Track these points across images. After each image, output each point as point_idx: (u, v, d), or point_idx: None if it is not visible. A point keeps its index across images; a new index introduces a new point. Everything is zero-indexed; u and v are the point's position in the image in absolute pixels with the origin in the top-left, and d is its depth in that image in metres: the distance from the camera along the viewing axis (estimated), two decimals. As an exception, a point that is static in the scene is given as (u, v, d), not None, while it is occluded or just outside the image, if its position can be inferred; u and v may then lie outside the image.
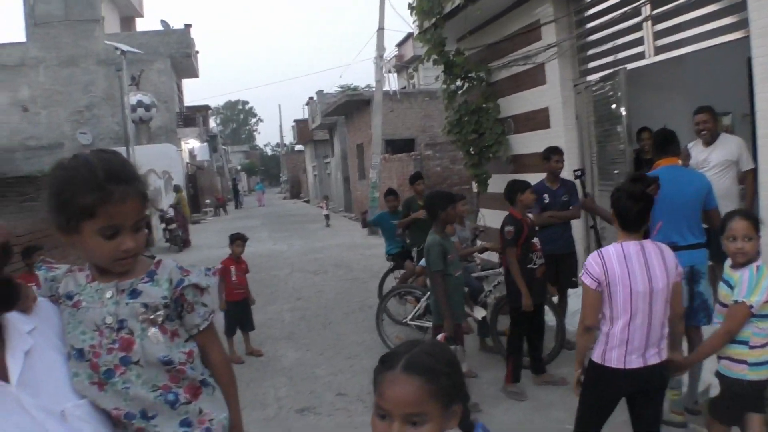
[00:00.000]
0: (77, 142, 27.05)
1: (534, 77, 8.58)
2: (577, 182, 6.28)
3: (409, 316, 6.91)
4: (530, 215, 5.88)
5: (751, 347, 3.27)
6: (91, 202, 1.51)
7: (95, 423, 1.41)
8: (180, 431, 1.62)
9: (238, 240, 7.42)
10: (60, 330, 1.55)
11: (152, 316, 1.62)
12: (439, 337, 4.97)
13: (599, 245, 6.18)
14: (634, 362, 3.24)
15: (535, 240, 5.59)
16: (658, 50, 6.55)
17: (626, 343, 3.24)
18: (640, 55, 6.82)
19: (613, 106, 6.87)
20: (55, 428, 1.25)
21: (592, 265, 3.34)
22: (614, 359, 3.27)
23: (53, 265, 1.69)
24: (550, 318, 6.16)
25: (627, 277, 3.24)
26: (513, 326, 5.71)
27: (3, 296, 1.23)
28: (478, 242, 7.51)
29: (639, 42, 6.82)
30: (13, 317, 1.34)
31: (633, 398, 3.37)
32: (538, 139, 8.55)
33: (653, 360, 3.25)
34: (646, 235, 3.50)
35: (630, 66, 6.84)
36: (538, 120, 8.63)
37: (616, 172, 6.86)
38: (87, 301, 1.59)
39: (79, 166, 1.56)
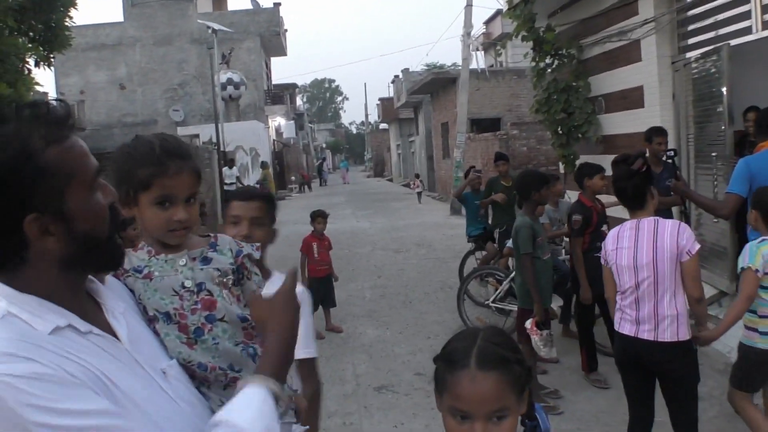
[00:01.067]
0: (170, 119, 28.07)
1: (629, 54, 8.19)
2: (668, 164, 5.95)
3: (491, 298, 6.80)
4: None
5: (760, 316, 3.56)
6: (148, 173, 1.64)
7: (187, 383, 1.46)
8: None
9: (319, 217, 7.48)
10: (132, 300, 1.62)
11: (225, 280, 1.72)
12: (529, 322, 4.89)
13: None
14: (626, 329, 3.52)
15: (605, 228, 5.36)
16: (767, 25, 6.12)
17: (621, 310, 3.57)
18: (746, 30, 6.38)
19: (714, 84, 6.48)
20: (164, 384, 1.30)
21: (603, 245, 3.74)
22: (616, 323, 3.63)
23: None
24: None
25: (615, 254, 3.55)
26: (578, 317, 5.59)
27: (112, 255, 1.30)
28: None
29: (745, 16, 6.38)
30: (100, 285, 1.38)
31: (659, 381, 3.51)
32: (630, 119, 8.20)
33: (645, 335, 3.42)
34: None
35: (734, 42, 6.42)
36: (632, 99, 8.26)
37: (714, 154, 6.48)
38: (159, 271, 1.67)
39: (138, 144, 1.71)
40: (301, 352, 2.18)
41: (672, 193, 5.47)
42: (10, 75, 6.54)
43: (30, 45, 7.91)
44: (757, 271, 3.50)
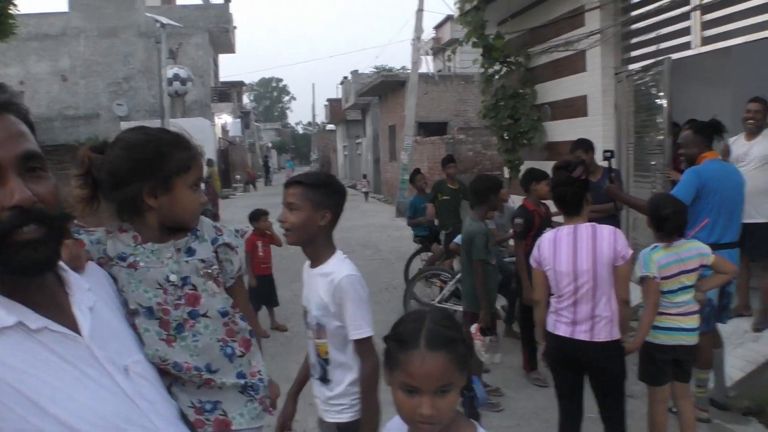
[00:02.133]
0: (113, 113, 27.38)
1: (574, 64, 8.44)
2: (605, 164, 6.10)
3: (437, 299, 6.90)
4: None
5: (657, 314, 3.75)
6: (187, 156, 1.71)
7: (152, 380, 1.42)
8: (239, 382, 1.75)
9: (263, 216, 7.46)
10: (112, 291, 1.59)
11: (209, 270, 1.74)
12: (473, 327, 4.97)
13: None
14: (561, 330, 3.56)
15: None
16: (706, 41, 6.39)
17: (557, 313, 3.61)
18: (686, 45, 6.67)
19: (655, 96, 6.73)
20: (123, 382, 1.27)
21: (534, 249, 3.74)
22: (550, 325, 3.65)
23: (89, 230, 1.76)
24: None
25: (553, 259, 3.58)
26: (522, 317, 5.73)
27: (20, 262, 1.17)
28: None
29: (686, 32, 6.66)
30: (73, 275, 1.36)
31: (590, 379, 3.62)
32: (574, 126, 8.44)
33: (581, 336, 3.49)
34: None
35: (675, 56, 6.69)
36: (576, 107, 8.51)
37: (653, 163, 6.74)
38: (144, 261, 1.67)
39: (157, 133, 1.74)
40: (353, 333, 2.29)
41: (606, 193, 5.67)
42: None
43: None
44: (655, 277, 3.69)
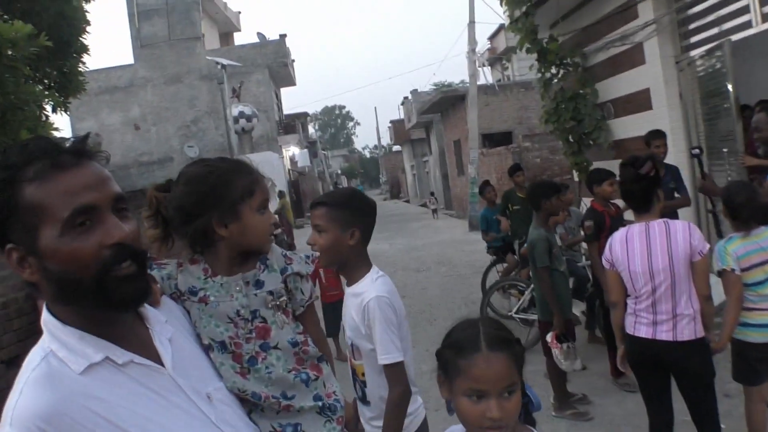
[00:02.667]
0: (185, 156, 28.36)
1: (632, 58, 8.24)
2: (695, 162, 5.92)
3: (513, 309, 6.82)
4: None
5: (746, 309, 3.57)
6: (250, 181, 1.72)
7: (234, 406, 1.50)
8: (316, 404, 1.76)
9: None
10: (187, 323, 1.64)
11: (278, 302, 1.75)
12: (549, 335, 4.89)
13: (719, 231, 5.85)
14: (642, 331, 3.47)
15: None
16: (767, 17, 6.15)
17: (635, 314, 3.51)
18: (747, 25, 6.41)
19: (720, 81, 6.50)
20: (207, 409, 1.34)
21: (606, 249, 3.65)
22: (629, 327, 3.56)
23: (162, 263, 1.79)
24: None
25: (627, 259, 3.48)
26: (604, 321, 5.57)
27: (110, 296, 1.25)
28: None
29: (745, 10, 6.42)
30: (150, 309, 1.43)
31: (677, 380, 3.50)
32: (640, 122, 8.21)
33: (663, 336, 3.39)
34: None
35: (735, 37, 6.45)
36: (639, 102, 8.28)
37: (725, 150, 6.49)
38: (214, 296, 1.69)
39: (216, 163, 1.75)
40: (382, 357, 2.26)
41: (701, 192, 5.45)
42: (30, 122, 6.69)
43: (46, 92, 8.12)
44: (733, 270, 3.56)
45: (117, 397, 1.18)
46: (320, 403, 1.76)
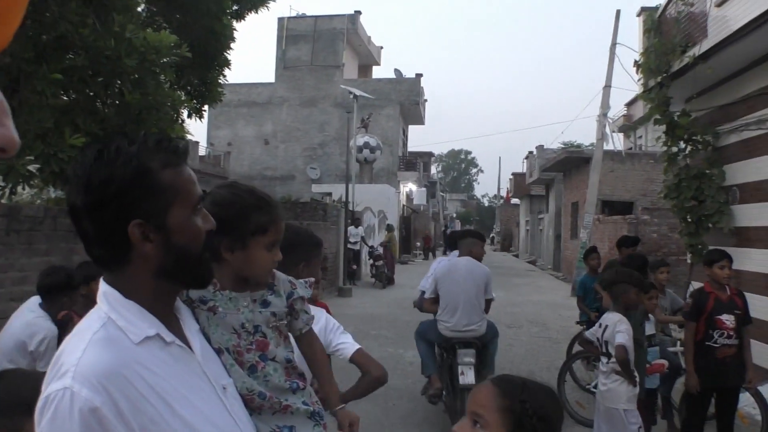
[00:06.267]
0: (306, 176, 29.38)
1: (768, 143, 7.82)
2: None
3: (593, 383, 6.53)
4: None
5: None
6: (266, 220, 1.82)
7: (241, 403, 1.60)
8: (304, 407, 1.89)
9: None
10: (197, 326, 1.75)
11: (278, 324, 1.88)
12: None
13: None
14: None
15: (725, 317, 5.01)
16: None
17: None
18: None
19: None
20: (224, 399, 1.44)
21: None
22: None
23: None
24: (753, 408, 5.50)
25: None
26: (686, 409, 5.23)
27: (203, 272, 1.45)
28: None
29: None
30: (179, 302, 1.56)
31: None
32: (767, 211, 7.76)
33: None
34: None
35: None
36: (769, 190, 7.83)
37: None
38: (223, 307, 1.81)
39: (242, 194, 1.87)
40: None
41: None
42: (164, 123, 7.16)
43: (184, 99, 8.67)
44: None
45: (163, 371, 1.28)
46: (307, 406, 1.89)
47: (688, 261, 10.03)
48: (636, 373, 4.59)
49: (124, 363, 1.22)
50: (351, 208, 19.51)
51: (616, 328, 4.47)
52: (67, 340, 1.27)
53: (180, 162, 1.37)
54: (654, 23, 9.80)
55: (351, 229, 19.16)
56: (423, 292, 6.69)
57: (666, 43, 9.19)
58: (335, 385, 2.13)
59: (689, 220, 9.22)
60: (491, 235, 72.95)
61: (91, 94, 6.40)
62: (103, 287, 1.34)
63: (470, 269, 6.21)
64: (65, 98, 6.26)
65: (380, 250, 20.19)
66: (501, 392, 1.57)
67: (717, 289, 5.19)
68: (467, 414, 1.59)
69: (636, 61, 9.97)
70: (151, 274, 1.34)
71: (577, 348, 8.28)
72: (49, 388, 1.16)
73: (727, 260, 5.20)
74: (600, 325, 4.68)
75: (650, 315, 5.71)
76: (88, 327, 1.27)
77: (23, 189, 6.11)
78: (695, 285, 9.37)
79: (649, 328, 5.67)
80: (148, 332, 1.29)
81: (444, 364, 6.37)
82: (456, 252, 6.79)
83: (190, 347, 1.42)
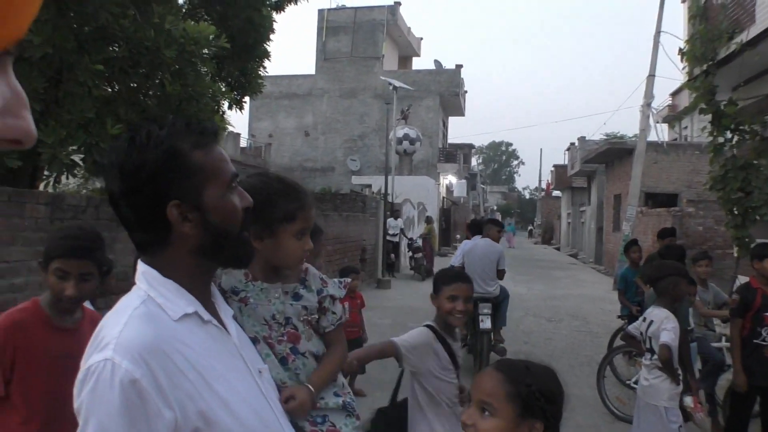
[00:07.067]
0: (347, 168, 29.48)
1: (819, 134, 7.56)
2: None
3: (633, 378, 6.42)
4: None
5: None
6: (294, 207, 1.83)
7: (275, 388, 1.60)
8: (336, 399, 1.94)
9: (352, 273, 6.96)
10: (232, 312, 1.78)
11: (309, 317, 1.89)
12: (689, 399, 4.55)
13: None
14: None
15: None
16: None
17: None
18: None
19: None
20: (259, 382, 1.45)
21: None
22: None
23: None
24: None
25: None
26: (731, 408, 5.08)
27: (242, 250, 1.44)
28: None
29: None
30: (214, 288, 1.57)
31: None
32: (817, 203, 7.52)
33: None
34: None
35: None
36: (820, 182, 7.57)
37: None
38: (254, 298, 1.85)
39: (270, 182, 1.88)
40: None
41: None
42: (204, 114, 7.23)
43: (225, 90, 8.74)
44: None
45: (201, 348, 1.30)
46: (341, 400, 1.93)
47: (735, 254, 9.77)
48: (680, 370, 4.50)
49: (163, 338, 1.24)
50: (390, 200, 19.50)
51: (663, 325, 4.35)
52: (108, 316, 1.30)
53: (209, 142, 1.39)
54: (700, 9, 9.55)
55: (390, 221, 19.15)
56: (453, 266, 8.06)
57: (712, 29, 8.94)
58: (327, 374, 2.04)
59: (735, 212, 8.98)
60: (529, 228, 72.43)
61: (133, 85, 6.49)
62: (141, 267, 1.37)
63: (486, 248, 8.31)
64: (107, 89, 6.36)
65: (419, 242, 20.14)
66: (506, 378, 1.61)
67: (764, 284, 5.03)
68: (474, 402, 1.62)
69: (681, 49, 9.72)
70: (190, 254, 1.37)
71: (618, 342, 8.16)
72: (90, 360, 1.19)
73: None
74: (644, 320, 4.58)
75: (690, 309, 5.58)
76: (128, 304, 1.30)
77: (67, 179, 6.24)
78: (741, 279, 9.12)
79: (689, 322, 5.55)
80: (186, 309, 1.32)
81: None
82: (478, 236, 8.80)
83: (226, 330, 1.44)
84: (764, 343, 4.85)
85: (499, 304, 8.43)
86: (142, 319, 1.25)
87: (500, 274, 8.37)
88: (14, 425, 2.21)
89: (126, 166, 1.30)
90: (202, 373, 1.27)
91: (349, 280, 2.19)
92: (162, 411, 1.17)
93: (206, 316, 1.37)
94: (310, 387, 1.82)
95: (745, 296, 5.02)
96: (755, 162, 8.73)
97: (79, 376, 1.19)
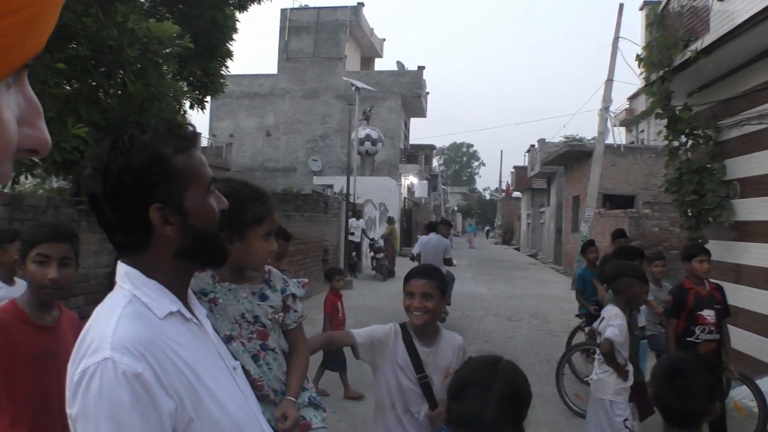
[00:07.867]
0: (308, 168, 29.36)
1: (769, 138, 7.83)
2: None
3: (591, 375, 6.56)
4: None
5: None
6: (262, 211, 1.90)
7: (247, 383, 1.63)
8: (304, 396, 2.02)
9: (337, 275, 7.27)
10: (205, 311, 1.82)
11: (276, 316, 1.98)
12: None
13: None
14: None
15: (705, 312, 5.04)
16: None
17: None
18: None
19: None
20: (236, 378, 1.49)
21: None
22: None
23: None
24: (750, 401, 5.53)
25: None
26: None
27: (218, 252, 1.47)
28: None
29: None
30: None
31: None
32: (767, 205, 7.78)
33: None
34: None
35: None
36: (770, 185, 7.83)
37: None
38: (223, 298, 1.91)
39: (238, 187, 1.93)
40: None
41: None
42: (166, 113, 7.15)
43: (187, 89, 8.66)
44: None
45: (188, 345, 1.34)
46: (307, 396, 2.03)
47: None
48: (629, 366, 4.64)
49: (155, 333, 1.27)
50: (352, 201, 19.53)
51: (610, 321, 4.51)
52: (93, 318, 1.31)
53: (190, 147, 1.43)
54: (657, 17, 9.80)
55: (352, 221, 19.17)
56: (413, 255, 11.74)
57: (668, 37, 9.19)
58: (301, 380, 2.13)
59: (690, 214, 9.23)
60: (486, 228, 73.58)
61: (94, 83, 6.40)
62: (124, 268, 1.38)
63: (437, 241, 11.24)
64: (68, 88, 6.26)
65: (381, 242, 20.20)
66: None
67: (696, 284, 5.21)
68: None
69: (638, 55, 9.97)
70: (172, 255, 1.39)
71: (576, 340, 8.34)
72: (82, 364, 1.20)
73: (705, 254, 5.23)
74: (601, 318, 4.72)
75: (640, 307, 5.75)
76: (115, 304, 1.32)
77: (26, 179, 6.12)
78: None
79: (640, 320, 5.71)
80: (170, 308, 1.35)
81: None
82: (434, 233, 11.57)
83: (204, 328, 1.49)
84: (698, 341, 5.02)
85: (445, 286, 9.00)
86: (132, 317, 1.28)
87: (447, 261, 11.07)
88: (3, 427, 2.20)
89: (110, 169, 1.32)
90: (193, 367, 1.30)
91: (306, 280, 2.25)
92: (166, 401, 1.21)
93: (187, 314, 1.40)
94: (293, 399, 1.90)
95: (679, 297, 5.18)
96: (709, 166, 8.99)
97: (74, 379, 1.20)
